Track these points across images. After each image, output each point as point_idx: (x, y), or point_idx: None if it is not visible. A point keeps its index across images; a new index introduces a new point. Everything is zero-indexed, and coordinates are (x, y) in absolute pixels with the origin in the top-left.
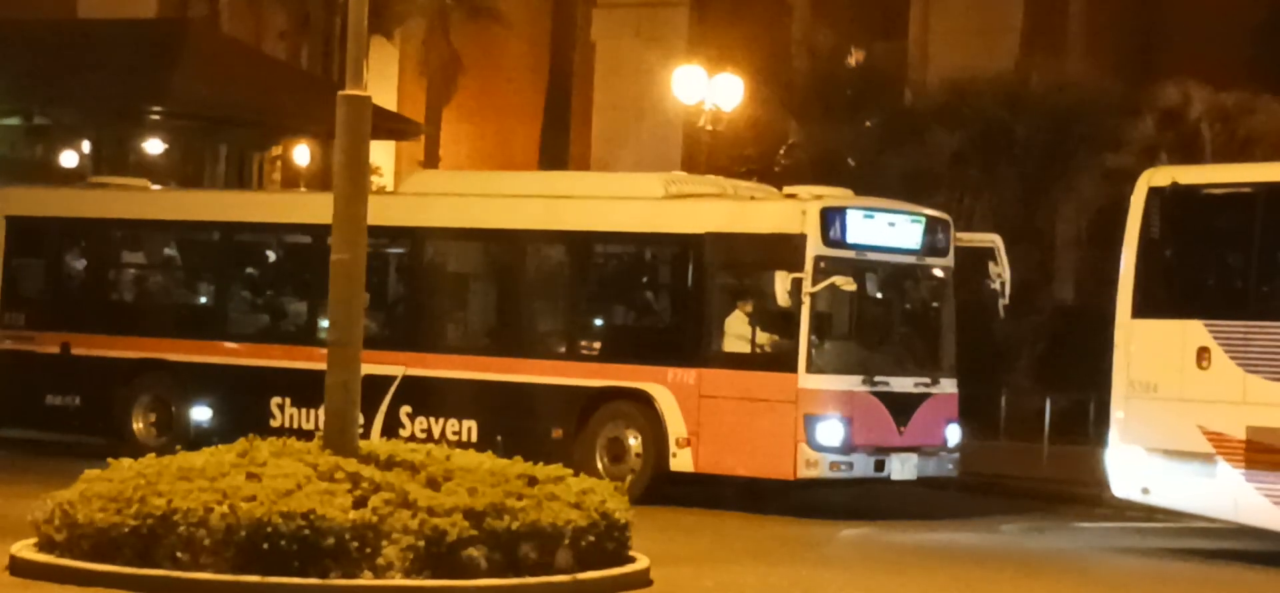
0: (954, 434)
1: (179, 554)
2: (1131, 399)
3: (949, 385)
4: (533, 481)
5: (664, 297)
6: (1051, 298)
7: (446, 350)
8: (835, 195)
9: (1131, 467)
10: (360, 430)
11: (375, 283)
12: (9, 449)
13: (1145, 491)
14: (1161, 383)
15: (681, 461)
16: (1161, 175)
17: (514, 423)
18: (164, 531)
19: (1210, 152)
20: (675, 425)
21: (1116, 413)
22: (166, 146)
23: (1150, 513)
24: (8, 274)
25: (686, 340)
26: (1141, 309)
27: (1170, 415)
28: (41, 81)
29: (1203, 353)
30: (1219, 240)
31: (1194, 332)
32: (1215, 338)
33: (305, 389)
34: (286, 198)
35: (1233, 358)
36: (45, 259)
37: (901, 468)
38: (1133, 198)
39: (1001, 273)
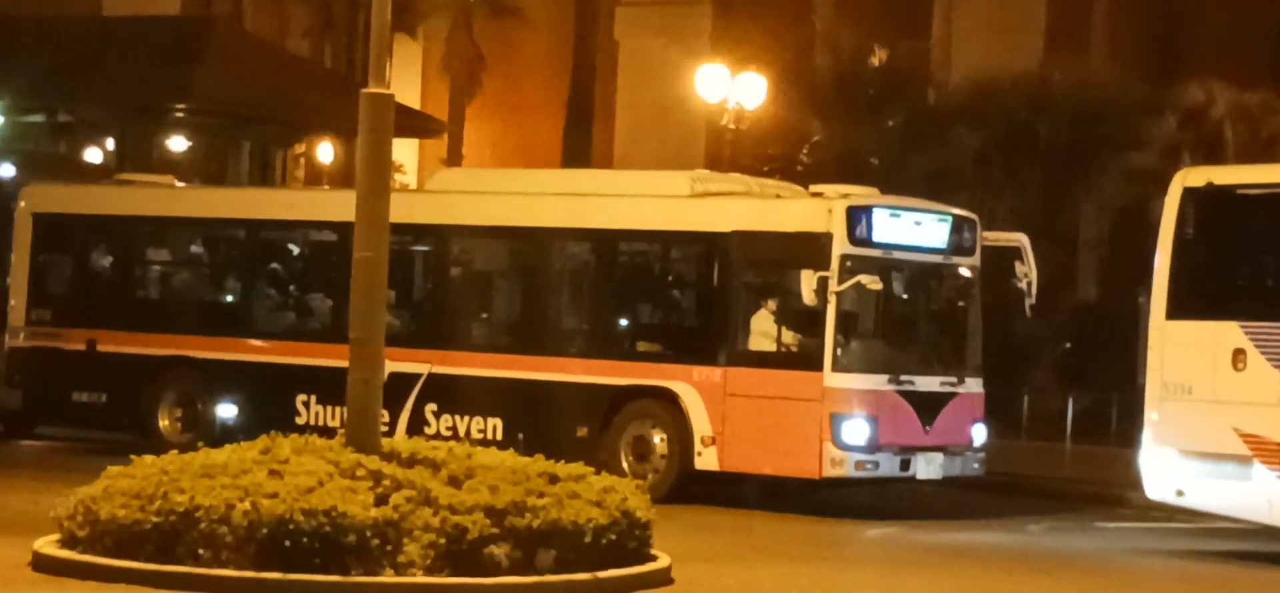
0: (980, 434)
1: (201, 551)
2: (1166, 401)
3: (975, 385)
4: (554, 479)
5: (689, 295)
6: (1074, 298)
7: (472, 348)
8: (862, 194)
9: (1165, 469)
10: (386, 428)
11: (400, 281)
12: (35, 445)
13: (1179, 493)
14: (1196, 385)
15: (707, 459)
16: (1196, 175)
17: (539, 421)
18: (186, 527)
19: (1233, 151)
20: (701, 424)
21: (1150, 415)
22: (190, 143)
23: (1172, 514)
24: (35, 271)
25: (712, 339)
26: (1176, 311)
27: (1205, 418)
28: (66, 78)
29: (1238, 355)
30: (1255, 241)
31: (1229, 333)
32: (1251, 340)
33: (330, 387)
34: (310, 195)
35: (1269, 360)
36: (72, 256)
37: (927, 467)
38: (1167, 198)
39: (1028, 272)
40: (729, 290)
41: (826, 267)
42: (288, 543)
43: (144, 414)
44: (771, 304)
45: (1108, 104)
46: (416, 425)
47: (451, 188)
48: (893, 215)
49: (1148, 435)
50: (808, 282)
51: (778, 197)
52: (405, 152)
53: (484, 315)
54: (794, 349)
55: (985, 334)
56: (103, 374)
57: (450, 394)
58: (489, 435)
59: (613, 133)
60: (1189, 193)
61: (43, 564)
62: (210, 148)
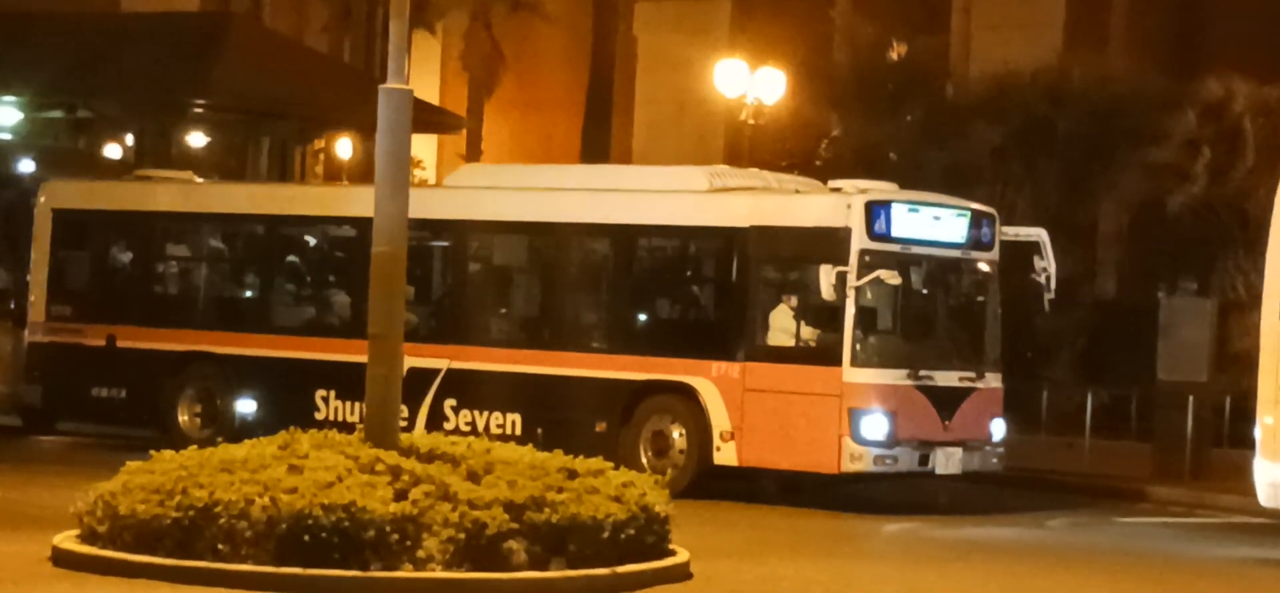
0: (998, 429)
1: (220, 546)
2: None
3: (994, 380)
4: (573, 474)
5: (708, 290)
6: (1093, 292)
7: (490, 344)
8: (880, 189)
9: None
10: (405, 423)
11: (419, 276)
12: (55, 441)
13: None
14: None
15: (725, 454)
16: None
17: (558, 416)
18: (205, 522)
19: (1253, 147)
20: (719, 419)
21: (1265, 419)
22: (209, 139)
23: (1192, 509)
24: (54, 267)
25: (731, 334)
26: None
27: None
28: (85, 74)
29: None
30: None
31: None
32: None
33: (349, 382)
34: (329, 191)
35: None
36: (91, 252)
37: (946, 462)
38: (1279, 194)
39: (1047, 267)
40: (748, 285)
41: (845, 262)
42: (307, 538)
43: (163, 410)
44: (790, 299)
45: (1127, 99)
46: (435, 421)
47: (470, 183)
48: (911, 210)
49: (1261, 441)
50: (826, 277)
51: (796, 192)
52: (424, 147)
53: (503, 310)
54: (813, 344)
55: (1004, 329)
56: (122, 370)
57: (469, 389)
58: (508, 431)
59: (631, 128)
60: None
61: (63, 559)
62: (229, 144)
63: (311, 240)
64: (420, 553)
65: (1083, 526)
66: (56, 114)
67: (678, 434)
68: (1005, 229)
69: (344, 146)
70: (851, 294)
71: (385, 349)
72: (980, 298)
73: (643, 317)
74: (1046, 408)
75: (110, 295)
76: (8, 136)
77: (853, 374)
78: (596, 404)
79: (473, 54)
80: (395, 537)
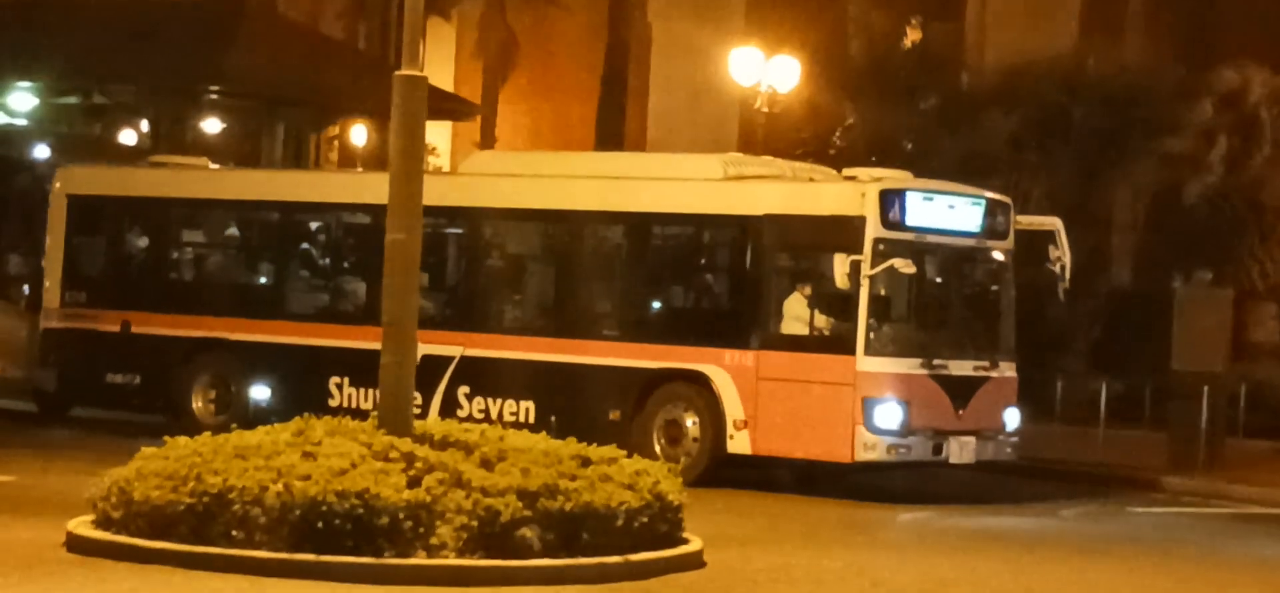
0: (1012, 418)
1: (234, 532)
2: None
3: (1008, 369)
4: (586, 461)
5: (722, 278)
6: (1108, 282)
7: (504, 331)
8: (895, 177)
9: None
10: (418, 411)
11: (433, 263)
12: (69, 427)
13: None
14: None
15: (739, 443)
16: None
17: (571, 404)
18: (219, 509)
19: (1269, 136)
20: (733, 408)
21: None
22: (224, 126)
23: (1207, 499)
24: (69, 252)
25: (744, 323)
26: None
27: None
28: (100, 60)
29: None
30: None
31: None
32: None
33: (363, 369)
34: (344, 178)
35: None
36: (106, 238)
37: (960, 451)
38: None
39: (1062, 256)
40: (762, 274)
41: (860, 250)
42: (320, 525)
43: (177, 396)
44: (804, 288)
45: (1142, 88)
46: (449, 408)
47: (484, 170)
48: (926, 199)
49: None
50: (841, 265)
51: (811, 180)
52: (438, 134)
53: (517, 298)
54: (827, 333)
55: (1018, 318)
56: (136, 356)
57: (483, 377)
58: (521, 418)
59: (646, 116)
60: None
61: (77, 545)
62: (244, 130)
63: (325, 227)
64: (434, 540)
65: (1096, 515)
66: (72, 100)
67: (691, 423)
68: (1020, 218)
69: (358, 133)
70: (866, 283)
71: (399, 336)
72: (995, 287)
73: (656, 305)
74: (1060, 397)
75: (125, 281)
76: (24, 122)
77: (867, 363)
78: (610, 392)
79: (488, 41)
80: (409, 524)
